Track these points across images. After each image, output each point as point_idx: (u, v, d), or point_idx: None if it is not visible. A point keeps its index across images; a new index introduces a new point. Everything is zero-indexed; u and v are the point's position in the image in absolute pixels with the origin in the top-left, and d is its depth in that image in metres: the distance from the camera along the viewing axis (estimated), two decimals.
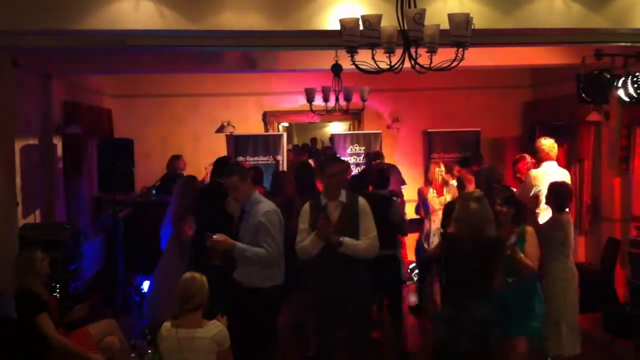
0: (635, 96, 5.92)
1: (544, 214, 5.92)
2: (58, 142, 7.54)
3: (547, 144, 6.55)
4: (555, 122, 8.85)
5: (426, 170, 8.04)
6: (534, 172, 6.46)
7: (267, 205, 4.75)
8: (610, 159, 7.91)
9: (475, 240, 4.26)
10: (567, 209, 5.48)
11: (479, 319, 4.21)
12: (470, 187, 5.96)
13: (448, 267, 4.45)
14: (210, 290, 3.94)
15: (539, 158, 6.57)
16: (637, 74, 5.90)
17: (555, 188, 5.48)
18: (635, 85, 5.87)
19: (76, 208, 8.13)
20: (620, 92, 6.04)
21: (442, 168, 7.31)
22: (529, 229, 4.81)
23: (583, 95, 6.40)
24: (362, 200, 4.67)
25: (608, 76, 6.05)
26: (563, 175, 6.33)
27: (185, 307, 3.84)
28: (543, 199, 5.78)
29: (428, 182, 7.49)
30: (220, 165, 6.70)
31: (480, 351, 4.24)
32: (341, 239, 4.45)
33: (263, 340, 4.71)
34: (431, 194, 7.23)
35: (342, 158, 7.73)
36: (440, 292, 4.62)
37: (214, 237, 4.63)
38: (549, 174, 6.28)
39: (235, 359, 3.99)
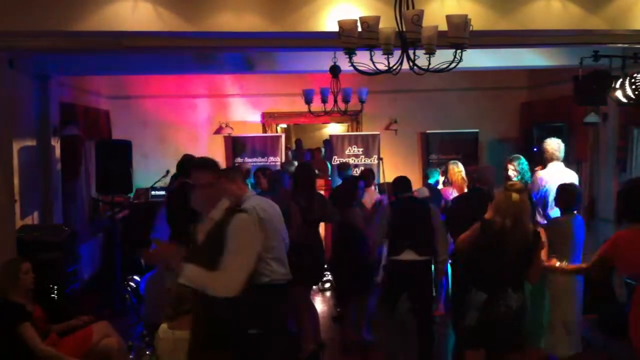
0: (633, 97, 5.90)
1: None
2: (56, 143, 7.52)
3: (553, 144, 6.36)
4: (552, 123, 8.85)
5: (424, 172, 7.98)
6: (540, 174, 6.33)
7: (252, 202, 4.67)
8: (607, 160, 7.92)
9: (516, 232, 4.26)
10: (574, 211, 5.46)
11: (512, 309, 4.22)
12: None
13: (484, 255, 4.36)
14: None
15: (545, 159, 6.39)
16: (634, 75, 5.87)
17: (563, 189, 5.46)
18: (633, 87, 5.85)
19: (74, 209, 8.12)
20: (618, 94, 6.02)
21: (461, 168, 7.15)
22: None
23: (580, 96, 6.39)
24: (239, 219, 3.43)
25: (606, 78, 6.04)
26: (570, 177, 6.26)
27: (181, 308, 3.84)
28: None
29: (448, 183, 7.30)
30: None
31: (510, 340, 4.26)
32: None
33: (255, 341, 4.60)
34: (455, 194, 6.97)
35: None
36: (468, 278, 4.58)
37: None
38: (555, 175, 6.14)
39: None
